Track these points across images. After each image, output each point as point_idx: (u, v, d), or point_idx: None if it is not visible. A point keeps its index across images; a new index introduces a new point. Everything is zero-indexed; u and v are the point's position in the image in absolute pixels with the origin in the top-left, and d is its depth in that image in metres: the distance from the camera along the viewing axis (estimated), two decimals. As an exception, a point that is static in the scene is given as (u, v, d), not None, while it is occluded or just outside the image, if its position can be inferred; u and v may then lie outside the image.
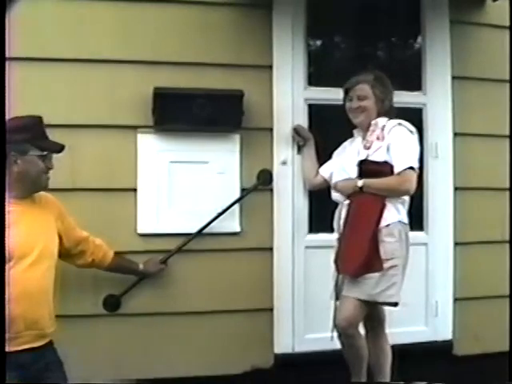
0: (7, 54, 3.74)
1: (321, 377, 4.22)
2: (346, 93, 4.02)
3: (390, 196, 3.83)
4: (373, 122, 3.93)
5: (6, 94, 3.58)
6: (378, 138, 3.86)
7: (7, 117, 3.25)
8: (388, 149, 3.82)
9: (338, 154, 4.20)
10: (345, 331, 3.80)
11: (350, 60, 4.74)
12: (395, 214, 3.84)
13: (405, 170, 3.78)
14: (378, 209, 3.79)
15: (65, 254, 3.49)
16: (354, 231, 3.84)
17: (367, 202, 3.82)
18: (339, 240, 3.96)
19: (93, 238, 3.70)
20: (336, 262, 3.95)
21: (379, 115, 3.94)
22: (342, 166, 4.03)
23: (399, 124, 3.89)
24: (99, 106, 4.10)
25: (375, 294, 3.75)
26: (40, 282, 3.12)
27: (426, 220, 4.61)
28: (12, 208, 3.07)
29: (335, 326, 3.83)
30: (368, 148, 3.87)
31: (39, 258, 3.11)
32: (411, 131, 3.92)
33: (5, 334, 2.88)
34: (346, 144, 4.16)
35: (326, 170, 4.26)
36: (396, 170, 3.79)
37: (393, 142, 3.82)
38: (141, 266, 4.01)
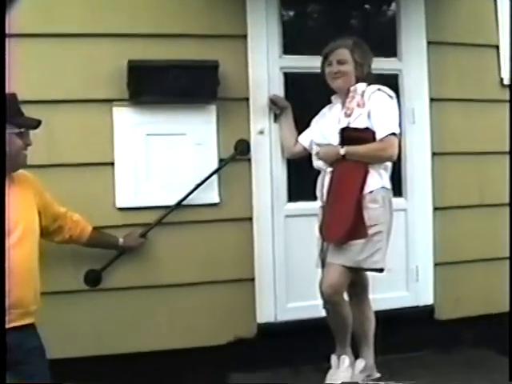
0: None
1: (304, 345, 4.24)
2: (326, 57, 3.99)
3: (373, 162, 3.83)
4: (352, 88, 3.91)
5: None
6: (358, 105, 3.84)
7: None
8: (369, 115, 3.81)
9: (316, 122, 4.18)
10: (330, 298, 3.81)
11: (324, 28, 4.70)
12: (378, 180, 3.84)
13: (387, 136, 3.78)
14: (361, 175, 3.79)
15: (43, 231, 3.45)
16: (337, 199, 3.84)
17: (350, 169, 3.82)
18: (323, 208, 3.97)
19: (71, 214, 3.68)
20: (321, 230, 3.95)
21: (358, 81, 3.92)
22: (323, 133, 4.01)
23: (379, 89, 3.88)
24: (74, 81, 4.06)
25: (360, 260, 3.77)
26: (25, 259, 3.09)
27: (404, 186, 4.62)
28: None
29: (321, 293, 3.83)
30: (349, 115, 3.86)
31: (23, 235, 3.08)
32: (391, 96, 3.91)
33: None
34: (324, 111, 4.15)
35: (305, 138, 4.25)
36: (378, 136, 3.79)
37: (373, 108, 3.81)
38: (120, 241, 4.00)
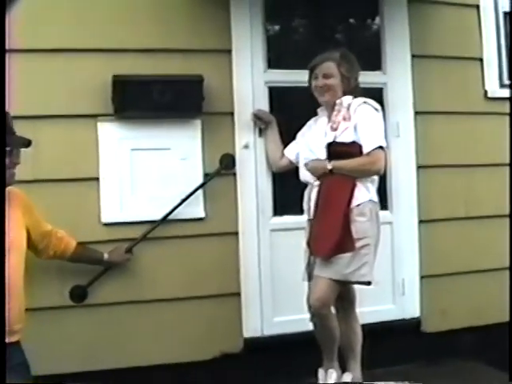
0: None
1: (291, 359, 4.24)
2: (312, 71, 3.99)
3: (361, 176, 3.83)
4: (338, 102, 3.90)
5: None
6: (344, 119, 3.84)
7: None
8: (355, 128, 3.81)
9: (302, 134, 4.18)
10: (318, 311, 3.81)
11: (309, 42, 4.72)
12: (365, 193, 3.85)
13: (374, 149, 3.79)
14: (349, 189, 3.79)
15: (31, 248, 3.45)
16: (325, 212, 3.83)
17: (337, 183, 3.81)
18: (310, 222, 3.96)
19: (56, 231, 3.66)
20: (308, 243, 3.94)
21: (345, 93, 3.92)
22: (309, 146, 4.01)
23: (364, 102, 3.88)
24: (58, 96, 4.05)
25: (348, 273, 3.77)
26: (9, 277, 3.05)
27: (390, 199, 4.63)
28: None
29: (309, 306, 3.83)
30: (335, 129, 3.85)
31: (8, 253, 3.05)
32: (376, 109, 3.91)
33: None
34: (310, 123, 4.15)
35: (291, 152, 4.25)
36: (365, 150, 3.79)
37: (360, 122, 3.81)
38: (106, 256, 3.99)
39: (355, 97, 3.92)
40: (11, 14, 3.56)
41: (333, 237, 3.74)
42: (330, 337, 3.95)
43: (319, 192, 3.90)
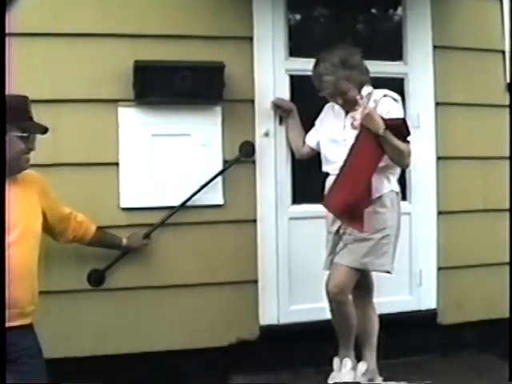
0: None
1: (306, 347, 4.25)
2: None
3: (394, 161, 3.81)
4: (358, 97, 3.84)
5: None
6: None
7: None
8: None
9: (320, 120, 4.18)
10: (335, 298, 3.83)
11: (330, 31, 4.71)
12: (386, 184, 3.86)
13: (408, 142, 3.77)
14: (378, 158, 3.74)
15: (48, 232, 3.46)
16: (349, 172, 3.76)
17: (370, 149, 3.72)
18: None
19: (75, 214, 3.67)
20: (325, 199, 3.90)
21: (362, 87, 3.90)
22: (329, 137, 4.00)
23: (385, 96, 3.86)
24: (80, 80, 4.06)
25: (367, 262, 3.80)
26: (23, 259, 3.07)
27: (409, 190, 4.62)
28: None
29: (327, 292, 3.85)
30: (356, 127, 3.82)
31: (22, 236, 3.06)
32: (396, 100, 3.91)
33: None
34: (327, 108, 4.14)
35: (311, 139, 4.23)
36: None
37: (383, 117, 3.75)
38: (124, 241, 4.00)
39: (367, 84, 3.92)
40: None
41: (348, 197, 3.70)
42: (347, 325, 3.95)
43: (349, 152, 3.79)
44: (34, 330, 3.22)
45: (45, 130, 3.20)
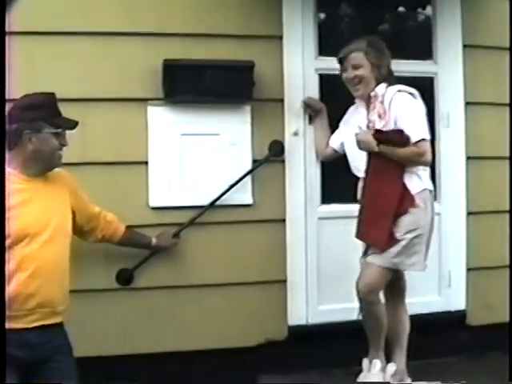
0: (15, 29, 3.71)
1: (335, 348, 4.22)
2: (340, 63, 3.97)
3: (408, 165, 3.79)
4: (372, 94, 3.86)
5: (14, 70, 3.57)
6: (379, 116, 3.79)
7: (18, 94, 3.20)
8: (395, 122, 3.76)
9: (344, 122, 4.18)
10: (365, 297, 3.82)
11: (359, 30, 4.66)
12: (418, 182, 3.83)
13: (420, 140, 3.74)
14: (399, 177, 3.77)
15: (77, 231, 3.47)
16: (374, 197, 3.82)
17: (387, 168, 3.77)
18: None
19: (104, 214, 3.68)
20: (358, 228, 3.93)
21: (378, 82, 3.88)
22: (349, 140, 4.00)
23: (399, 91, 3.82)
24: (109, 79, 4.06)
25: (397, 262, 3.79)
26: (54, 259, 3.09)
27: (438, 190, 4.56)
28: (25, 186, 3.05)
29: (357, 292, 3.84)
30: (372, 129, 3.82)
31: (53, 235, 3.08)
32: (412, 94, 3.86)
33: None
34: (351, 110, 4.15)
35: (335, 141, 4.23)
36: (413, 140, 3.74)
37: (399, 113, 3.75)
38: (153, 241, 3.99)
39: (389, 85, 3.87)
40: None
41: (384, 227, 3.73)
42: (377, 325, 3.94)
43: (367, 175, 3.86)
44: (65, 329, 3.24)
45: (75, 125, 3.22)
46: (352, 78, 3.91)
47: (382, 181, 3.79)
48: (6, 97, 3.24)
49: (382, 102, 3.80)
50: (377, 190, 3.80)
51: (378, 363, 3.98)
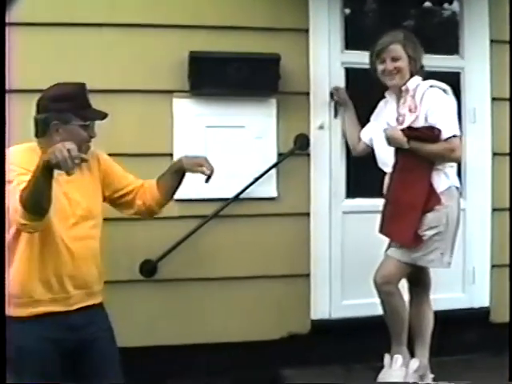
0: (40, 20, 3.81)
1: (357, 343, 4.22)
2: (378, 55, 3.91)
3: (439, 162, 3.78)
4: (403, 88, 3.84)
5: (42, 60, 3.66)
6: (410, 110, 3.77)
7: (46, 85, 3.15)
8: (426, 118, 3.73)
9: (375, 117, 4.16)
10: (381, 288, 3.82)
11: (385, 24, 4.62)
12: (445, 180, 3.80)
13: (451, 137, 3.72)
14: (427, 174, 3.75)
15: (117, 205, 3.38)
16: (400, 193, 3.81)
17: (415, 165, 3.76)
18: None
19: (142, 183, 3.41)
20: (382, 224, 3.93)
21: (412, 75, 3.86)
22: (380, 134, 3.95)
23: (431, 86, 3.80)
24: (135, 71, 4.08)
25: (416, 257, 3.77)
26: (85, 240, 3.08)
27: (463, 186, 4.52)
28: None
29: (374, 283, 3.85)
30: (401, 123, 3.80)
31: (83, 217, 3.08)
32: (445, 90, 3.84)
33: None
34: (381, 105, 4.12)
35: (365, 135, 4.21)
36: (443, 136, 3.72)
37: (431, 109, 3.73)
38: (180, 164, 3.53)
39: (423, 79, 3.85)
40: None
41: (410, 225, 3.72)
42: (397, 318, 3.91)
43: (394, 170, 3.85)
44: (106, 312, 3.28)
45: (104, 117, 3.19)
46: (391, 70, 3.87)
47: (410, 177, 3.77)
48: (36, 87, 3.24)
49: (413, 97, 3.78)
50: (403, 187, 3.78)
51: (399, 359, 3.95)
